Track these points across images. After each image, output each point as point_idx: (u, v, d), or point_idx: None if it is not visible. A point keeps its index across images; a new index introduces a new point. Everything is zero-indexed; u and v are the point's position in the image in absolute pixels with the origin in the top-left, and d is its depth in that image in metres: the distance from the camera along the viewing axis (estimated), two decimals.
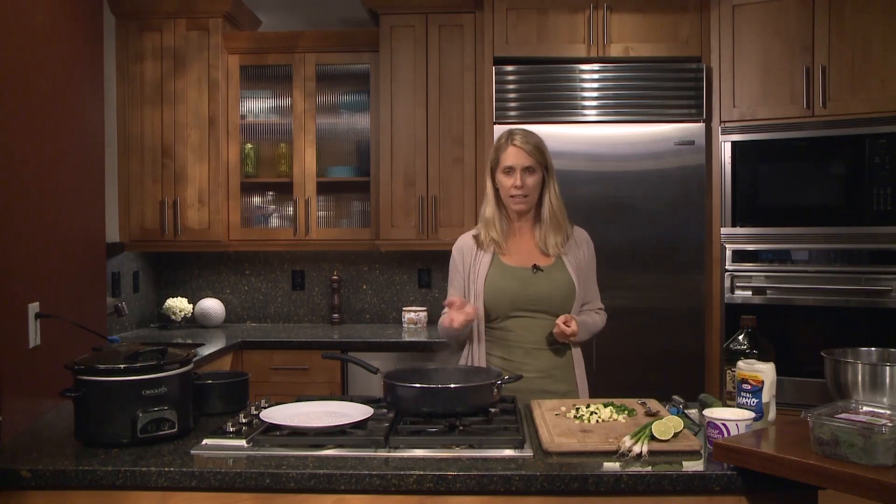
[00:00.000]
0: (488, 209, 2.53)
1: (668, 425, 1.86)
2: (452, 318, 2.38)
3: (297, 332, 4.17)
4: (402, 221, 4.07)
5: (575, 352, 2.55)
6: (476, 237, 2.57)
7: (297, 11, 4.54)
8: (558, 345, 2.50)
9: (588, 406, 2.11)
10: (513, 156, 2.46)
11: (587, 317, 2.57)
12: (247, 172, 4.29)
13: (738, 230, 3.67)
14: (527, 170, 2.46)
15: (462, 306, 2.39)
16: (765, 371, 1.94)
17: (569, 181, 3.61)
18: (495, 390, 2.07)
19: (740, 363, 1.99)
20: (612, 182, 3.71)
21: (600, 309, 2.66)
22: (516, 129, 2.52)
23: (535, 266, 2.50)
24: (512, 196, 2.48)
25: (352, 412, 2.03)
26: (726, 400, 2.08)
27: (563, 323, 2.40)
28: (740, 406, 1.95)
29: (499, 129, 3.71)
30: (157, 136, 4.11)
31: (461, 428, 1.97)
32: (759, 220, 3.65)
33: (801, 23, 3.55)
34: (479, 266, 2.50)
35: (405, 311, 4.29)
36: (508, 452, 1.84)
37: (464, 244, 2.58)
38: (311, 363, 3.84)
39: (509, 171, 2.46)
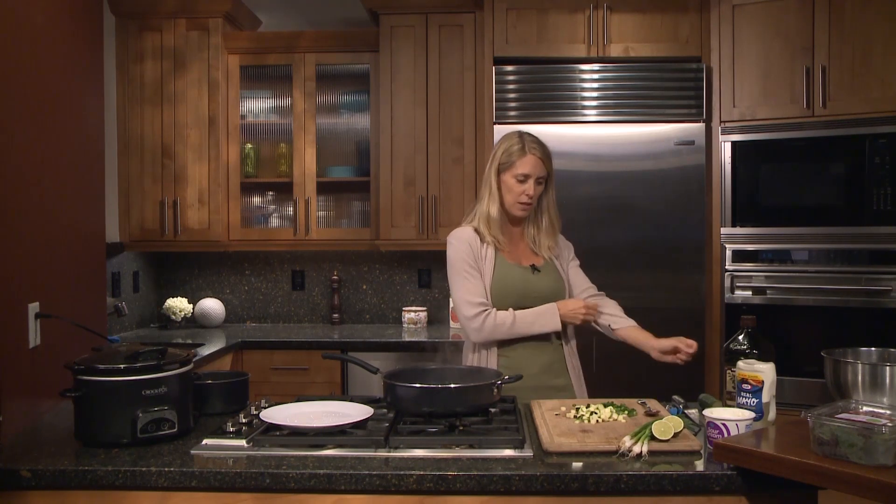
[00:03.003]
0: (492, 208, 2.53)
1: (668, 425, 1.86)
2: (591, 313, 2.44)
3: (297, 332, 4.17)
4: (402, 221, 4.07)
5: (567, 347, 2.58)
6: (476, 230, 2.55)
7: (297, 11, 4.54)
8: (551, 341, 2.53)
9: (588, 406, 2.11)
10: (530, 165, 2.47)
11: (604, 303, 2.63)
12: (247, 172, 4.28)
13: (738, 230, 3.67)
14: (539, 179, 2.49)
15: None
16: (765, 371, 1.94)
17: (569, 181, 3.62)
18: (495, 390, 2.07)
19: (740, 363, 1.99)
20: (612, 182, 3.71)
21: (602, 295, 2.68)
22: (528, 136, 2.52)
23: (532, 266, 2.55)
24: (520, 202, 2.50)
25: (352, 412, 2.03)
26: (726, 400, 2.08)
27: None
28: (740, 406, 1.95)
29: (499, 129, 3.71)
30: (157, 136, 4.11)
31: (461, 428, 1.97)
32: (759, 220, 3.65)
33: (801, 23, 3.55)
34: (486, 260, 2.51)
35: (405, 311, 4.29)
36: (508, 452, 1.84)
37: (469, 236, 2.54)
38: (311, 363, 3.84)
39: (524, 178, 2.47)
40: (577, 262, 2.68)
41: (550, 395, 2.40)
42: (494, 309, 2.46)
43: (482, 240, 2.53)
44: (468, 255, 2.48)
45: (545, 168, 2.50)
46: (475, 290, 2.46)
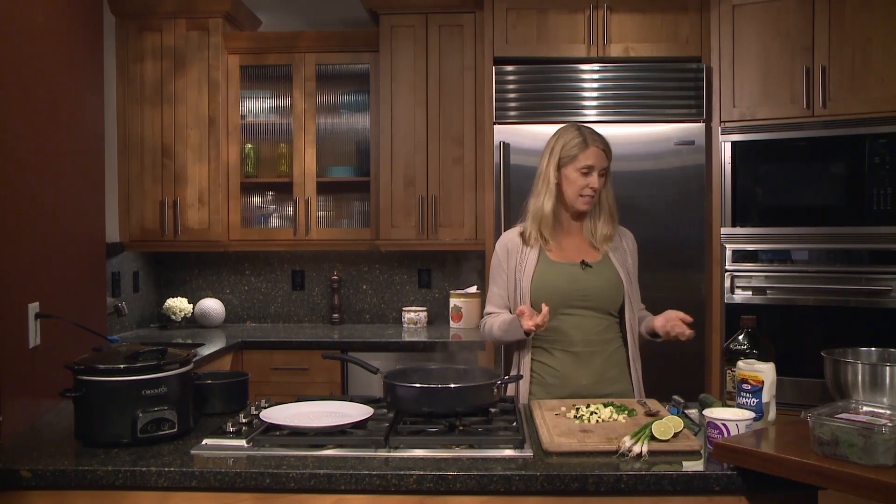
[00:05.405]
0: (547, 204, 2.46)
1: (668, 425, 1.86)
2: (527, 326, 2.27)
3: (297, 332, 4.17)
4: (402, 221, 4.07)
5: (632, 350, 2.51)
6: (522, 234, 2.51)
7: (297, 11, 4.54)
8: (610, 344, 2.46)
9: (588, 406, 2.11)
10: (594, 156, 2.42)
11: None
12: (247, 172, 4.29)
13: (738, 230, 3.67)
14: (601, 171, 2.44)
15: (532, 316, 2.28)
16: (765, 371, 1.94)
17: None
18: (495, 390, 2.07)
19: (740, 363, 1.99)
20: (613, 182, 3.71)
21: (643, 309, 2.64)
22: (586, 128, 2.48)
23: (583, 262, 2.46)
24: (582, 196, 2.43)
25: (352, 412, 2.03)
26: (726, 400, 2.08)
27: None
28: (740, 406, 1.95)
29: (499, 129, 3.71)
30: (157, 136, 4.11)
31: (461, 428, 1.97)
32: (759, 220, 3.65)
33: (801, 23, 3.55)
34: (526, 263, 2.45)
35: (405, 311, 4.29)
36: (508, 452, 1.84)
37: (508, 240, 2.52)
38: (311, 363, 3.84)
39: (588, 170, 2.42)
40: (636, 269, 2.59)
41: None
42: (492, 315, 2.52)
43: (525, 242, 2.49)
44: (502, 260, 2.52)
45: (607, 159, 2.45)
46: (493, 297, 2.55)
